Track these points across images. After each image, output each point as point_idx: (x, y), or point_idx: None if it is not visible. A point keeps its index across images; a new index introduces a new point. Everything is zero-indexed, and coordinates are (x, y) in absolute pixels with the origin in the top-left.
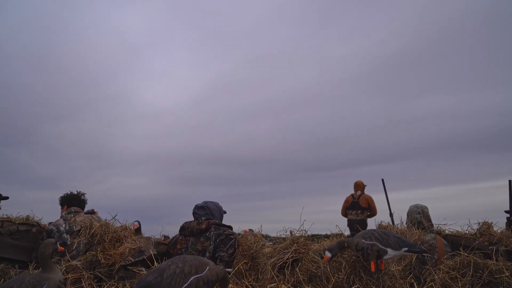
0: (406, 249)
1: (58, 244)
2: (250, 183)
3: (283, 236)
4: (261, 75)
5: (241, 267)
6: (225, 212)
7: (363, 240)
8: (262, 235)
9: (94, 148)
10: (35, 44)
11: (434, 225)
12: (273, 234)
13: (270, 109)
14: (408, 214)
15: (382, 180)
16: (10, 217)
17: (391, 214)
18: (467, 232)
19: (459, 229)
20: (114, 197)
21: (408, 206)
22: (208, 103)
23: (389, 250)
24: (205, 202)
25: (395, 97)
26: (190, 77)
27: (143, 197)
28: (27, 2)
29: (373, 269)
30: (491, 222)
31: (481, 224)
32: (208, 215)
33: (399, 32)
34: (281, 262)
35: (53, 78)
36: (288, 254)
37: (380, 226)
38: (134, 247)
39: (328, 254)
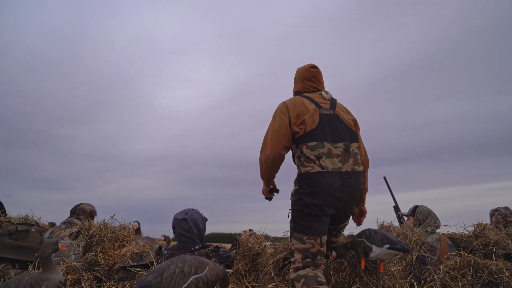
0: (388, 246)
1: (59, 244)
2: (258, 184)
3: (286, 236)
4: (284, 81)
5: (241, 267)
6: (206, 219)
7: (356, 238)
8: (263, 235)
9: (107, 150)
10: (61, 52)
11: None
12: (277, 235)
13: None
14: (422, 212)
15: (385, 178)
16: (10, 217)
17: (397, 209)
18: (462, 233)
19: (455, 231)
20: (122, 198)
21: (408, 208)
22: (227, 107)
23: (374, 247)
24: (186, 212)
25: (411, 103)
26: (213, 83)
27: (150, 199)
28: (58, 13)
29: (362, 267)
30: (486, 223)
31: (476, 225)
32: (193, 235)
33: (419, 43)
34: (282, 262)
35: (74, 82)
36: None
37: (381, 226)
38: (137, 251)
39: (334, 254)
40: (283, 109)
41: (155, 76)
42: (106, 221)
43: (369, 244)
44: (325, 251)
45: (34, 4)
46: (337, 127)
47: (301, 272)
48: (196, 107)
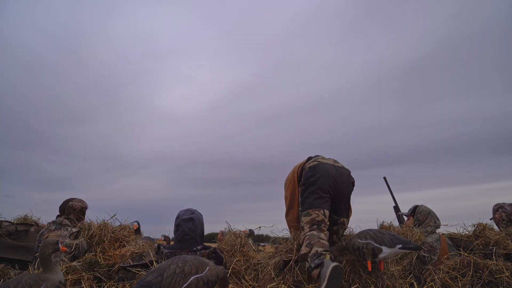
0: (400, 246)
1: (59, 244)
2: (258, 184)
3: (286, 235)
4: (283, 80)
5: (240, 267)
6: None
7: (359, 240)
8: (262, 235)
9: (107, 150)
10: (61, 52)
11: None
12: (279, 235)
13: (287, 113)
14: (422, 212)
15: (385, 178)
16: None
17: (397, 209)
18: (463, 233)
19: (455, 231)
20: (123, 198)
21: (408, 208)
22: (227, 107)
23: (384, 248)
24: (192, 212)
25: (408, 103)
26: (213, 82)
27: (150, 199)
28: (57, 12)
29: (369, 269)
30: (486, 224)
31: (476, 225)
32: (196, 235)
33: (420, 42)
34: (283, 263)
35: (74, 82)
36: (293, 255)
37: (382, 226)
38: (137, 251)
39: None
40: (289, 179)
41: (155, 76)
42: (106, 221)
43: (378, 245)
44: (328, 224)
45: (33, 4)
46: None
47: (307, 233)
48: (196, 107)
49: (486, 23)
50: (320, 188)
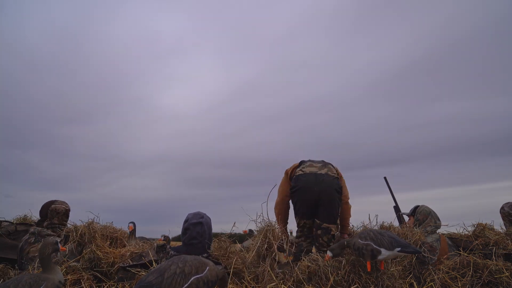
0: (399, 249)
1: (59, 244)
2: (258, 184)
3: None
4: (285, 81)
5: (240, 267)
6: None
7: (359, 240)
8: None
9: (107, 150)
10: (62, 51)
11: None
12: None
13: (288, 114)
14: (422, 213)
15: (385, 178)
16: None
17: (398, 209)
18: (462, 233)
19: (455, 231)
20: (122, 198)
21: (409, 208)
22: (228, 107)
23: (383, 250)
24: (201, 216)
25: (411, 103)
26: (214, 82)
27: (150, 199)
28: (60, 11)
29: (369, 269)
30: (486, 224)
31: (476, 225)
32: (204, 240)
33: (417, 43)
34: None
35: (76, 81)
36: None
37: (382, 226)
38: (136, 251)
39: (329, 254)
40: (284, 176)
41: (155, 76)
42: (91, 220)
43: (377, 247)
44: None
45: (36, 2)
46: (317, 161)
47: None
48: (196, 107)
49: (486, 23)
50: (298, 204)
